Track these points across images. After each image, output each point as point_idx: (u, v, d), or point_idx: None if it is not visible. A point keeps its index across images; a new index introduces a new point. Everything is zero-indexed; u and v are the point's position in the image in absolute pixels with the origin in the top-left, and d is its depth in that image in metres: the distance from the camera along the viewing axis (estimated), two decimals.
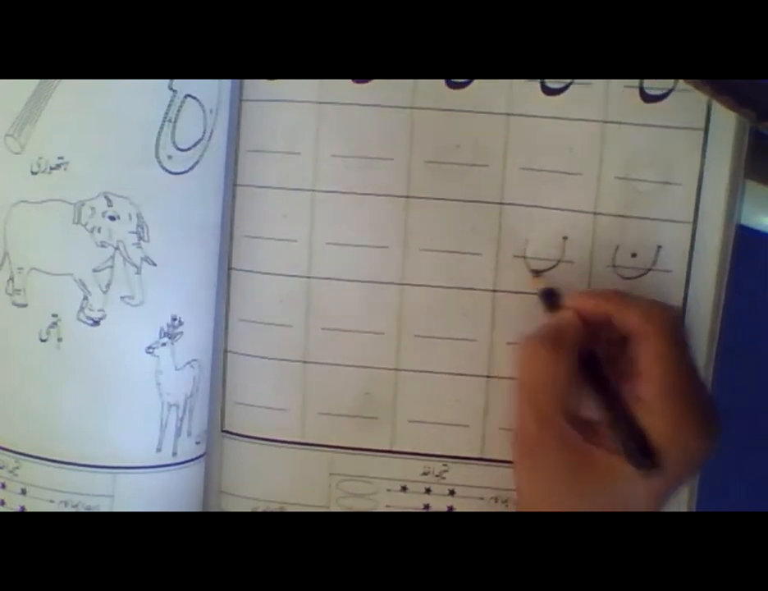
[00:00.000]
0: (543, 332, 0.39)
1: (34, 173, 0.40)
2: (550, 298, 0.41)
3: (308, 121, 0.42)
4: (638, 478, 0.37)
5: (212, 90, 0.41)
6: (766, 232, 0.43)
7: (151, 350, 0.41)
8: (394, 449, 0.44)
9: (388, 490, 0.44)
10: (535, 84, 0.41)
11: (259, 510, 0.44)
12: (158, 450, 0.42)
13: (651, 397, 0.37)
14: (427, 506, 0.44)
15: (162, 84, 0.40)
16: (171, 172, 0.40)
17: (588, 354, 0.39)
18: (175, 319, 0.42)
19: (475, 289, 0.43)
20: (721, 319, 0.42)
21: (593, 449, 0.37)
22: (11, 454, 0.42)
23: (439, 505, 0.44)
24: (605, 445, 0.37)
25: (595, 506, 0.37)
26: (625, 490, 0.37)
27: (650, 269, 0.42)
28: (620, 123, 0.41)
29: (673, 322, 0.38)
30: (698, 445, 0.37)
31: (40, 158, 0.40)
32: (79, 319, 0.41)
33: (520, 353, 0.39)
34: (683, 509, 0.43)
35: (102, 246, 0.40)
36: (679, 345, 0.38)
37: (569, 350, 0.39)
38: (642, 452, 0.37)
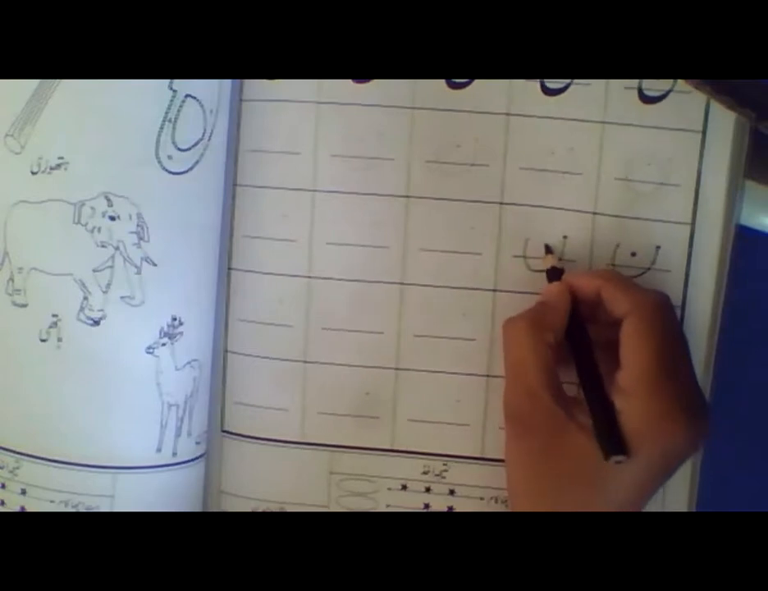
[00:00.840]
0: (525, 313, 0.40)
1: (34, 173, 0.40)
2: (556, 277, 0.41)
3: (308, 120, 0.42)
4: (610, 464, 0.36)
5: (212, 90, 0.41)
6: (766, 232, 0.42)
7: (151, 350, 0.41)
8: (394, 448, 0.44)
9: (388, 489, 0.44)
10: (535, 85, 0.41)
11: (259, 510, 0.44)
12: (158, 450, 0.42)
13: (628, 383, 0.37)
14: (427, 505, 0.44)
15: (162, 84, 0.40)
16: (171, 172, 0.40)
17: (577, 333, 0.39)
18: (175, 319, 0.41)
19: (475, 289, 0.43)
20: (721, 319, 0.42)
21: (573, 429, 0.37)
22: (11, 454, 0.42)
23: (439, 504, 0.44)
24: (586, 426, 0.37)
25: (567, 488, 0.37)
26: (597, 475, 0.37)
27: (649, 268, 0.42)
28: (619, 124, 0.41)
29: (658, 308, 0.38)
30: (678, 438, 0.36)
31: (40, 158, 0.40)
32: (79, 319, 0.41)
33: (503, 332, 0.40)
34: (683, 509, 0.43)
35: (103, 246, 0.40)
36: (662, 333, 0.37)
37: (551, 328, 0.39)
38: (612, 439, 0.36)
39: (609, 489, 0.37)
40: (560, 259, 0.42)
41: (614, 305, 0.38)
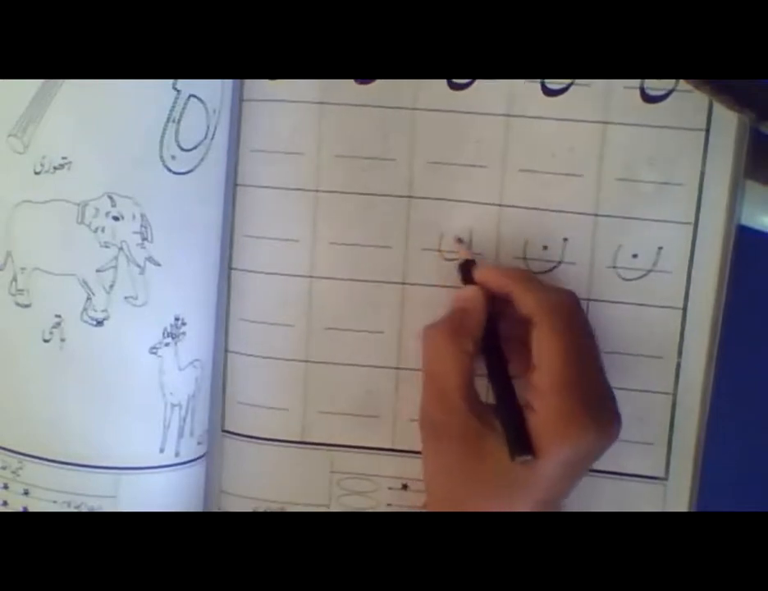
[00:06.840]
0: (445, 321, 0.40)
1: (37, 173, 0.40)
2: (468, 270, 0.41)
3: (310, 121, 0.42)
4: (520, 470, 0.36)
5: (215, 90, 0.41)
6: (766, 232, 0.42)
7: (154, 351, 0.41)
8: (395, 447, 0.44)
9: (389, 488, 0.44)
10: (535, 85, 0.41)
11: (260, 510, 0.45)
12: (161, 450, 0.42)
13: (539, 383, 0.37)
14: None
15: (165, 84, 0.40)
16: (174, 172, 0.40)
17: (488, 333, 0.39)
18: (178, 319, 0.42)
19: None
20: (721, 319, 0.42)
21: (487, 435, 0.37)
22: (14, 454, 0.42)
23: None
24: (500, 430, 0.37)
25: (483, 492, 0.37)
26: (511, 477, 0.37)
27: (651, 270, 0.42)
28: (621, 124, 0.41)
29: (563, 309, 0.38)
30: (587, 437, 0.36)
31: (44, 158, 0.40)
32: (82, 320, 0.41)
33: (422, 342, 0.40)
34: (684, 509, 0.43)
35: (106, 246, 0.40)
36: (570, 334, 0.37)
37: (470, 336, 0.39)
38: (517, 440, 0.36)
39: (523, 490, 0.37)
40: (560, 262, 0.42)
41: (522, 305, 0.38)
